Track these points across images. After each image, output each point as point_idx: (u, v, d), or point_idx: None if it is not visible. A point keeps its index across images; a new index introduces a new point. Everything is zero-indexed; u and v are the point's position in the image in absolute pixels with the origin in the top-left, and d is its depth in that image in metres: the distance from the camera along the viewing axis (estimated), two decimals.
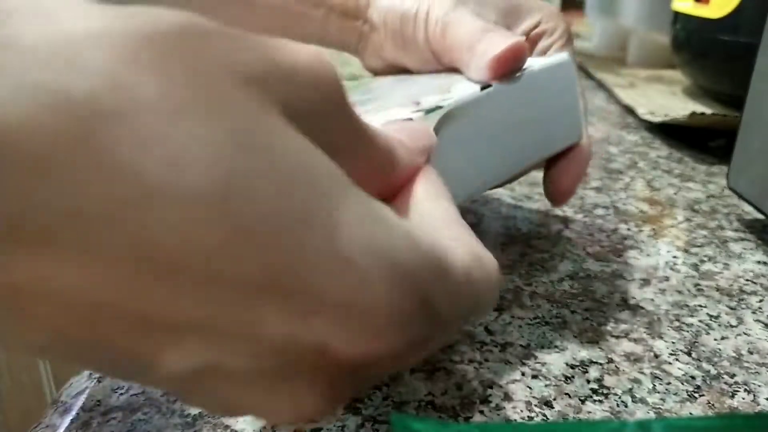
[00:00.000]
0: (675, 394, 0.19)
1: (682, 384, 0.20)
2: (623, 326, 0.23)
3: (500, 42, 0.21)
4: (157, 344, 0.10)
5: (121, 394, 0.19)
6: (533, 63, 0.22)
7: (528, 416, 0.18)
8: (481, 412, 0.18)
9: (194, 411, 0.18)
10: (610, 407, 0.19)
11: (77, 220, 0.09)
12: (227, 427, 0.18)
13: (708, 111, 0.43)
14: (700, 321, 0.23)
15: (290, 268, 0.10)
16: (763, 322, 0.23)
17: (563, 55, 0.23)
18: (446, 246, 0.13)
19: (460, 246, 0.14)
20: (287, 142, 0.11)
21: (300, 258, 0.10)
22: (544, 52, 0.25)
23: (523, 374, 0.20)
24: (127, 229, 0.09)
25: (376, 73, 0.28)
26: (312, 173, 0.11)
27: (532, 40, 0.25)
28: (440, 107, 0.19)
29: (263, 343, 0.11)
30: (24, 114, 0.09)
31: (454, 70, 0.23)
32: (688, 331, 0.23)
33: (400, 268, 0.12)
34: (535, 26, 0.26)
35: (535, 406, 0.19)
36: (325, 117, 0.12)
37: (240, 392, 0.12)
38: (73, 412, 0.18)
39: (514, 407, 0.19)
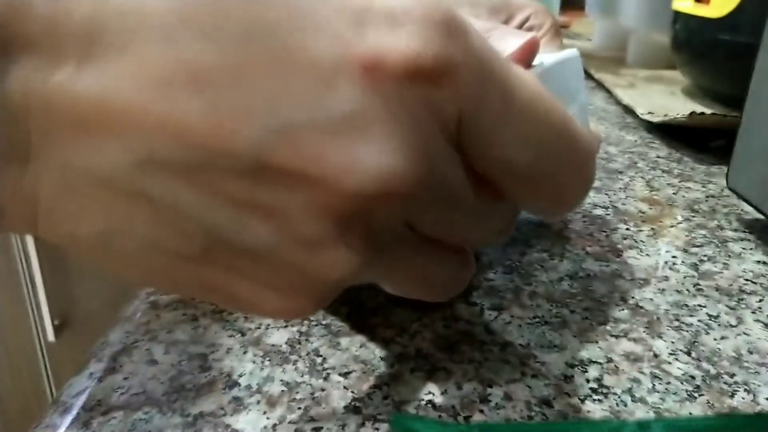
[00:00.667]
0: (674, 393, 0.19)
1: (682, 384, 0.20)
2: (622, 326, 0.23)
3: (511, 40, 0.21)
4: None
5: (122, 393, 0.19)
6: (543, 59, 0.22)
7: (528, 416, 0.18)
8: (481, 411, 0.18)
9: (195, 411, 0.18)
10: (609, 407, 0.19)
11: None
12: (228, 426, 0.18)
13: (708, 111, 0.43)
14: (700, 321, 0.23)
15: None
16: (762, 322, 0.23)
17: (573, 51, 0.23)
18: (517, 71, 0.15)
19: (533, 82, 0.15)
20: None
21: None
22: None
23: (522, 374, 0.20)
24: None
25: None
26: None
27: None
28: None
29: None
30: None
31: None
32: (687, 331, 0.23)
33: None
34: (525, 22, 0.26)
35: (535, 405, 0.19)
36: None
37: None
38: (74, 412, 0.18)
39: (514, 406, 0.19)
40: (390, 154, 0.13)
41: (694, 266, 0.27)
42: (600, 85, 0.60)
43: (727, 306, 0.24)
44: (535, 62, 0.21)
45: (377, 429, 0.18)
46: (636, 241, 0.29)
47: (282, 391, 0.19)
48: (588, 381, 0.20)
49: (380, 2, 0.13)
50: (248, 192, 0.13)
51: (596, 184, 0.37)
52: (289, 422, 0.18)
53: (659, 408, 0.19)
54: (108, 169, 0.13)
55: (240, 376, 0.20)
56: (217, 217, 0.13)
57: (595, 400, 0.19)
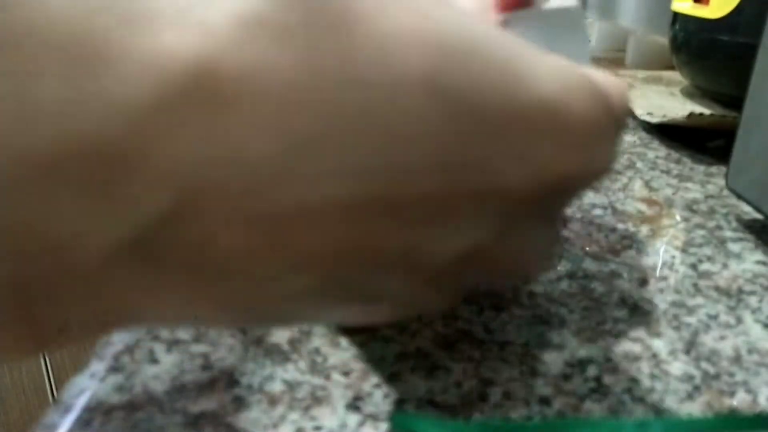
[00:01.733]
0: (674, 393, 0.20)
1: (681, 383, 0.20)
2: (621, 325, 0.23)
3: None
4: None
5: (123, 393, 0.19)
6: (544, 6, 0.22)
7: (527, 414, 0.18)
8: (481, 410, 0.19)
9: (196, 410, 0.18)
10: (608, 406, 0.19)
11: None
12: (229, 425, 0.18)
13: (707, 111, 0.43)
14: (699, 320, 0.23)
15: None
16: (762, 322, 0.23)
17: (572, 1, 0.23)
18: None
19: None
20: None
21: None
22: None
23: (521, 373, 0.20)
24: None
25: None
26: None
27: None
28: None
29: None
30: None
31: None
32: (686, 331, 0.23)
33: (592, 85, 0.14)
34: None
35: (534, 404, 0.19)
36: None
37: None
38: (75, 412, 0.19)
39: (513, 405, 0.19)
40: (549, 245, 0.15)
41: (693, 266, 0.27)
42: None
43: (726, 306, 0.24)
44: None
45: (377, 427, 0.18)
46: (634, 241, 0.29)
47: (283, 390, 0.19)
48: (587, 380, 0.20)
49: (575, 120, 0.13)
50: (401, 283, 0.14)
51: (595, 184, 0.37)
52: (290, 421, 0.18)
53: (658, 407, 0.19)
54: (288, 293, 0.12)
55: (241, 375, 0.20)
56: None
57: (594, 399, 0.19)
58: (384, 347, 0.21)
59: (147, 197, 0.09)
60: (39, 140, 0.08)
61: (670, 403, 0.19)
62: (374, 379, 0.20)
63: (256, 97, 0.09)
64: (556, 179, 0.13)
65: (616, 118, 0.14)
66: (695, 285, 0.26)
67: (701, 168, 0.40)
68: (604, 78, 0.15)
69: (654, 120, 0.44)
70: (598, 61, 0.70)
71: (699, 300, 0.25)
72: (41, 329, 0.11)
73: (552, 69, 0.13)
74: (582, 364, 0.21)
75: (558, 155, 0.13)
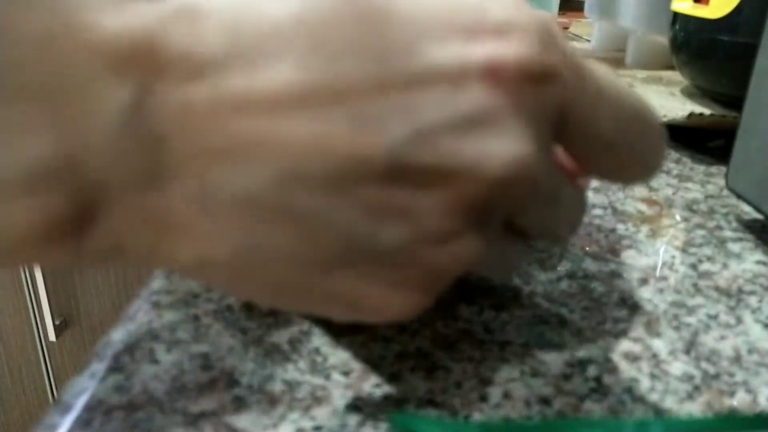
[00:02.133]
0: (674, 393, 0.20)
1: (681, 383, 0.20)
2: (621, 325, 0.23)
3: None
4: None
5: (123, 393, 0.19)
6: None
7: (527, 414, 0.18)
8: (481, 410, 0.19)
9: (196, 410, 0.18)
10: (608, 406, 0.19)
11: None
12: (229, 425, 0.18)
13: (707, 111, 0.43)
14: (699, 320, 0.23)
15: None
16: (762, 322, 0.23)
17: None
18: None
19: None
20: None
21: None
22: None
23: (522, 372, 0.20)
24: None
25: None
26: None
27: None
28: None
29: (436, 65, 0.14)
30: None
31: None
32: (686, 331, 0.23)
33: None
34: None
35: (534, 404, 0.19)
36: None
37: None
38: (75, 412, 0.19)
39: (513, 405, 0.19)
40: (518, 142, 0.14)
41: (693, 266, 0.27)
42: None
43: (726, 306, 0.24)
44: None
45: (377, 428, 0.18)
46: (634, 241, 0.29)
47: (283, 390, 0.19)
48: (587, 380, 0.20)
49: (489, 16, 0.14)
50: (385, 196, 0.14)
51: (595, 184, 0.37)
52: (290, 421, 0.18)
53: (658, 407, 0.19)
54: (250, 189, 0.13)
55: (241, 375, 0.20)
56: (354, 224, 0.14)
57: (594, 399, 0.19)
58: (384, 347, 0.21)
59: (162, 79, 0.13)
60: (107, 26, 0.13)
61: (670, 403, 0.19)
62: (374, 379, 0.20)
63: (215, 12, 0.13)
64: (486, 62, 0.14)
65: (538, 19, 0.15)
66: (695, 285, 0.26)
67: (701, 168, 0.40)
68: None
69: None
70: (598, 61, 0.70)
71: (699, 300, 0.25)
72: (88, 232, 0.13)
73: None
74: (582, 364, 0.21)
75: (475, 43, 0.14)
